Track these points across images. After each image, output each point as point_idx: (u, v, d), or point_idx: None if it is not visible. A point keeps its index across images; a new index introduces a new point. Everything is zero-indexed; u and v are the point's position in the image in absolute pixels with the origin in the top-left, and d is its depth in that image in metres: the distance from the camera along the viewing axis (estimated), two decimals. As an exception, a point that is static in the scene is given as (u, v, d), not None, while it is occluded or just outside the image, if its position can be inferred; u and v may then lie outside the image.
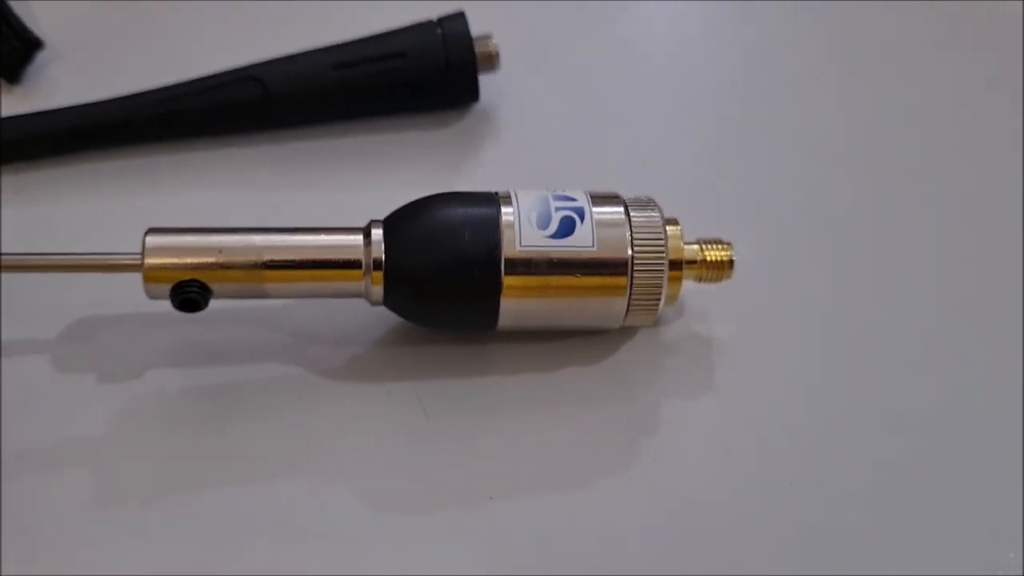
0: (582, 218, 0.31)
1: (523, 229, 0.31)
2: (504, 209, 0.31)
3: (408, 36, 0.39)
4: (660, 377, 0.33)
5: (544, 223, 0.31)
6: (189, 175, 0.38)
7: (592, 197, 0.32)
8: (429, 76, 0.38)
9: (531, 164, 0.39)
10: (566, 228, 0.31)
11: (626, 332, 0.33)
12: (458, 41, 0.38)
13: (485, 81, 0.39)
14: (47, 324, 0.33)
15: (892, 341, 0.34)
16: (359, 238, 0.31)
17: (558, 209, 0.31)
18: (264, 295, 0.31)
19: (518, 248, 0.30)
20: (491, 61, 0.39)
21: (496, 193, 0.31)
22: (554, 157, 0.39)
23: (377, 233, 0.30)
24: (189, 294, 0.30)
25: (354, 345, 0.33)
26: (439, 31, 0.38)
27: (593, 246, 0.31)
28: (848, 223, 0.38)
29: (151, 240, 0.31)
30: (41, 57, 0.41)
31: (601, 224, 0.31)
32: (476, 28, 0.38)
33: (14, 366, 0.32)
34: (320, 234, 0.31)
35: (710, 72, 0.43)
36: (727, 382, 0.33)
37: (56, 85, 0.41)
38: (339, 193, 0.38)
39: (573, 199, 0.31)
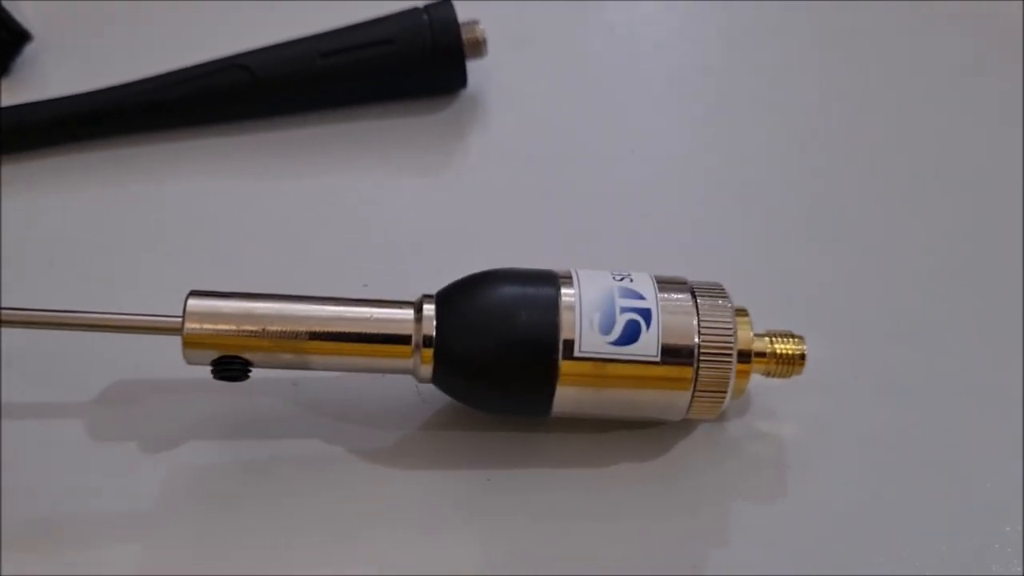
0: (648, 323, 0.29)
1: (584, 333, 0.29)
2: (564, 291, 0.29)
3: (395, 23, 0.39)
4: (720, 478, 0.31)
5: (607, 328, 0.29)
6: (179, 163, 0.39)
7: (659, 282, 0.30)
8: (416, 63, 0.39)
9: (520, 149, 0.39)
10: (630, 334, 0.29)
11: (686, 426, 0.31)
12: (445, 27, 0.38)
13: (473, 67, 0.39)
14: (85, 386, 0.32)
15: (973, 447, 0.32)
16: (410, 313, 0.29)
17: (623, 311, 0.29)
18: (307, 367, 0.30)
19: (578, 352, 0.28)
20: (478, 47, 0.39)
21: (556, 273, 0.30)
22: (542, 141, 0.39)
23: (429, 309, 0.29)
24: (231, 371, 0.29)
25: (399, 423, 0.31)
26: (426, 17, 0.38)
27: (657, 356, 0.29)
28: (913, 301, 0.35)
29: (192, 304, 0.29)
30: (29, 49, 0.41)
31: (667, 311, 0.29)
32: (462, 14, 0.39)
33: (51, 428, 0.31)
34: (369, 307, 0.29)
35: (694, 54, 0.43)
36: (793, 487, 0.31)
37: (45, 77, 0.41)
38: (329, 179, 0.38)
39: (641, 296, 0.29)
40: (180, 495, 0.30)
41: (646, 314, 0.29)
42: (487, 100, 0.40)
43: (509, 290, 0.29)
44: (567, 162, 0.39)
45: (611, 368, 0.29)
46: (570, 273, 0.30)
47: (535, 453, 0.31)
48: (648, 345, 0.29)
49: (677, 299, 0.29)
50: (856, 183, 0.38)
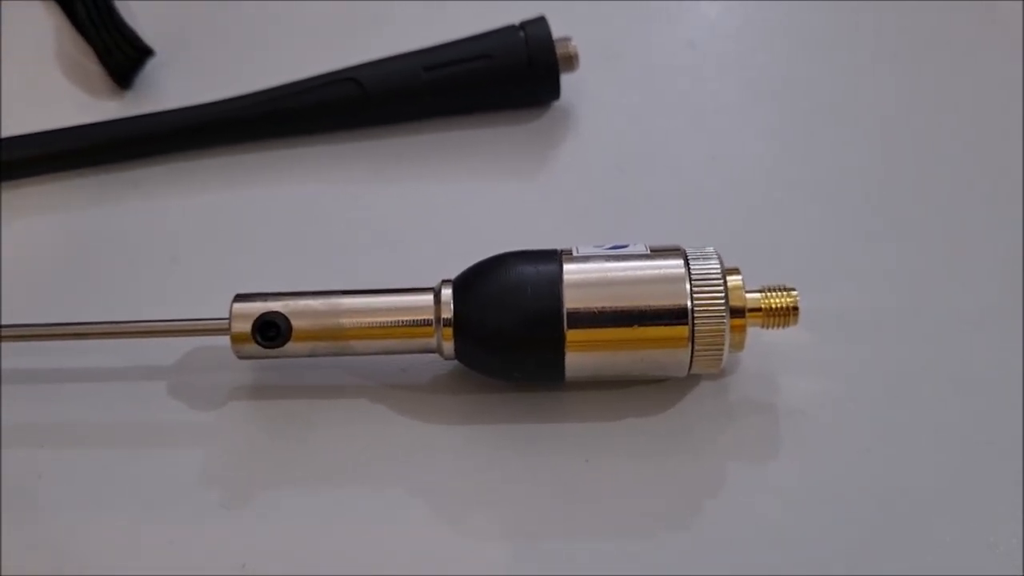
0: (634, 244, 0.33)
1: (580, 249, 0.33)
2: (566, 265, 0.32)
3: (493, 39, 0.41)
4: (724, 430, 0.33)
5: (599, 246, 0.33)
6: (292, 169, 0.41)
7: (652, 249, 0.33)
8: (513, 76, 0.41)
9: (608, 156, 0.41)
10: (620, 246, 0.33)
11: (692, 380, 0.34)
12: (540, 43, 0.40)
13: (565, 80, 0.41)
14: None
15: (982, 401, 0.34)
16: (429, 297, 0.33)
17: (614, 246, 0.33)
18: (348, 352, 0.33)
19: (576, 254, 0.32)
20: (571, 62, 0.41)
21: (558, 251, 0.33)
22: (629, 149, 0.41)
23: (447, 293, 0.32)
24: (270, 318, 0.32)
25: (429, 388, 0.34)
26: (522, 34, 0.41)
27: (647, 250, 0.32)
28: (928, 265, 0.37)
29: (237, 306, 0.33)
30: (150, 64, 0.44)
31: (661, 278, 0.32)
32: (555, 31, 0.41)
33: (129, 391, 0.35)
34: (395, 295, 0.33)
35: (770, 67, 0.44)
36: (795, 440, 0.33)
37: (164, 90, 0.43)
38: (430, 185, 0.41)
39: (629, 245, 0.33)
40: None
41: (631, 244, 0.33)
42: (578, 111, 0.42)
43: (516, 268, 0.32)
44: (652, 168, 0.41)
45: (614, 333, 0.31)
46: (571, 249, 0.33)
47: (551, 409, 0.34)
48: (637, 248, 0.33)
49: (670, 264, 0.32)
50: (938, 187, 0.40)
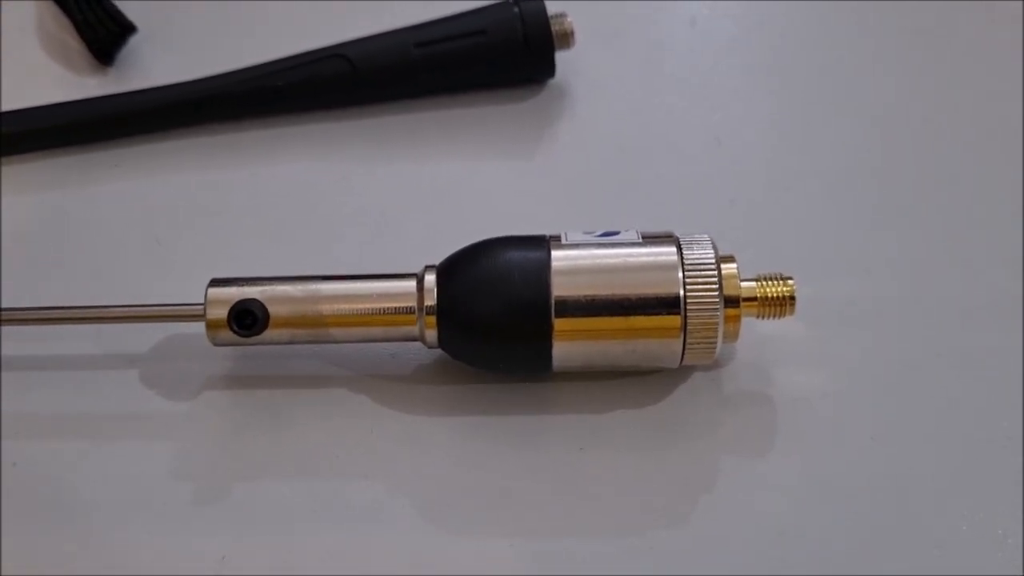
0: (625, 231, 0.32)
1: (569, 235, 0.32)
2: (555, 252, 0.31)
3: (487, 15, 0.40)
4: (720, 423, 0.32)
5: (589, 232, 0.32)
6: (279, 149, 0.40)
7: (644, 236, 0.32)
8: (507, 53, 0.40)
9: (606, 137, 0.40)
10: (611, 233, 0.32)
11: (684, 372, 0.33)
12: (535, 19, 0.39)
13: (560, 58, 0.40)
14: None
15: (984, 392, 0.33)
16: (412, 283, 0.31)
17: (604, 232, 0.32)
18: (326, 340, 0.32)
19: (565, 240, 0.31)
20: (566, 39, 0.40)
21: (547, 237, 0.32)
22: (627, 130, 0.40)
23: (430, 279, 0.31)
24: (247, 323, 0.31)
25: (411, 378, 0.33)
26: (517, 10, 0.40)
27: (639, 238, 0.31)
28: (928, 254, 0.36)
29: (213, 292, 0.32)
30: (132, 41, 0.43)
31: (653, 266, 0.31)
32: (551, 7, 0.40)
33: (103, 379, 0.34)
34: (376, 280, 0.32)
35: (773, 47, 0.43)
36: (793, 433, 0.32)
37: (147, 67, 0.42)
38: (421, 165, 0.39)
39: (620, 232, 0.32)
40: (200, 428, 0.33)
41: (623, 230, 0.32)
42: (574, 90, 0.41)
43: (502, 254, 0.31)
44: (652, 150, 0.40)
45: (604, 322, 0.30)
46: (560, 235, 0.32)
47: (540, 401, 0.33)
48: (629, 236, 0.31)
49: (662, 251, 0.31)
50: (939, 176, 0.39)
